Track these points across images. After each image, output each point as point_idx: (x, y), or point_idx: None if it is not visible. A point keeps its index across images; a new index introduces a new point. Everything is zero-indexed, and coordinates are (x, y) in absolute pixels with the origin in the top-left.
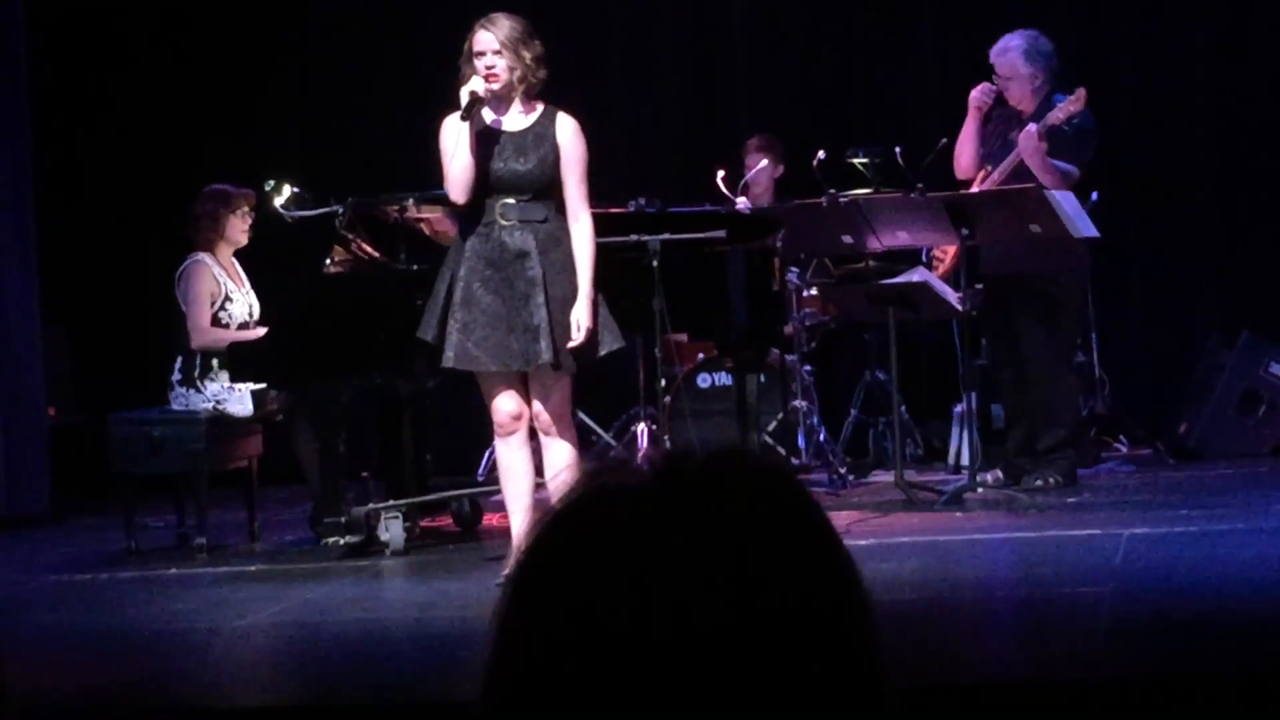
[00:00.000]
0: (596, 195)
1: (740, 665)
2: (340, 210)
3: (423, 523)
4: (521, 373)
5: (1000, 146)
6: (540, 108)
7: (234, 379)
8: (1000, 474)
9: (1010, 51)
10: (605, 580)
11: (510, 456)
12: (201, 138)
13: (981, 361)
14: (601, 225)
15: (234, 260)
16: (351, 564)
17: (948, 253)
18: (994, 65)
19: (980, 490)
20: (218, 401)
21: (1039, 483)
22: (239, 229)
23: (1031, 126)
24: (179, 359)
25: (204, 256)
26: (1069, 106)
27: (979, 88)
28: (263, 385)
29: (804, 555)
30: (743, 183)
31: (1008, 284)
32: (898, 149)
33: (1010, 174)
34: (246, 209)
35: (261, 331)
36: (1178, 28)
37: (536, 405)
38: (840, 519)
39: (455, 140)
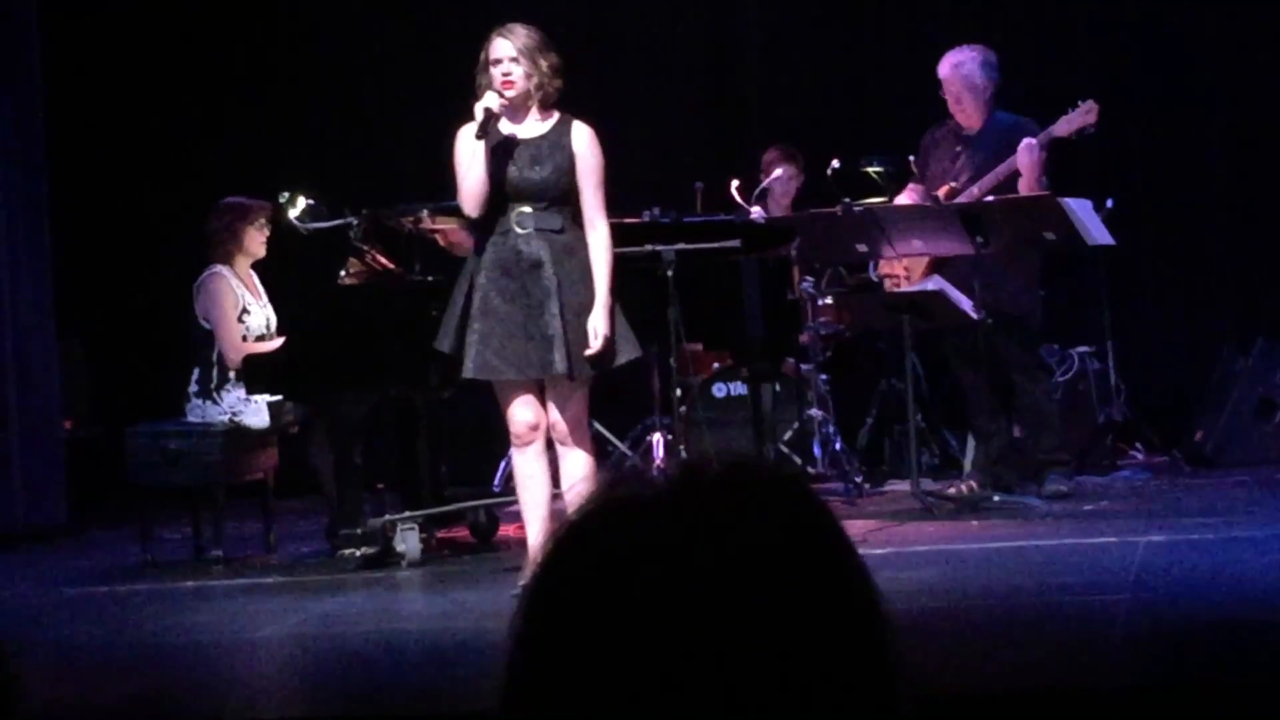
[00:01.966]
0: (612, 206)
1: (756, 676)
2: (355, 222)
3: (439, 534)
4: (539, 382)
5: (953, 162)
6: (556, 116)
7: (250, 391)
8: (975, 484)
9: (966, 64)
10: (621, 591)
11: (527, 467)
12: (216, 149)
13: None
14: (617, 235)
15: (251, 272)
16: (368, 576)
17: (911, 269)
18: (944, 82)
19: (998, 499)
20: (234, 413)
21: (1052, 489)
22: (257, 241)
23: (1030, 140)
24: (195, 371)
25: (221, 269)
26: (1080, 119)
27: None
28: (279, 397)
29: (819, 565)
30: (760, 189)
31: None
32: (911, 158)
33: (995, 185)
34: (263, 221)
35: (276, 341)
36: (1190, 33)
37: (553, 415)
38: (856, 528)
39: (469, 154)
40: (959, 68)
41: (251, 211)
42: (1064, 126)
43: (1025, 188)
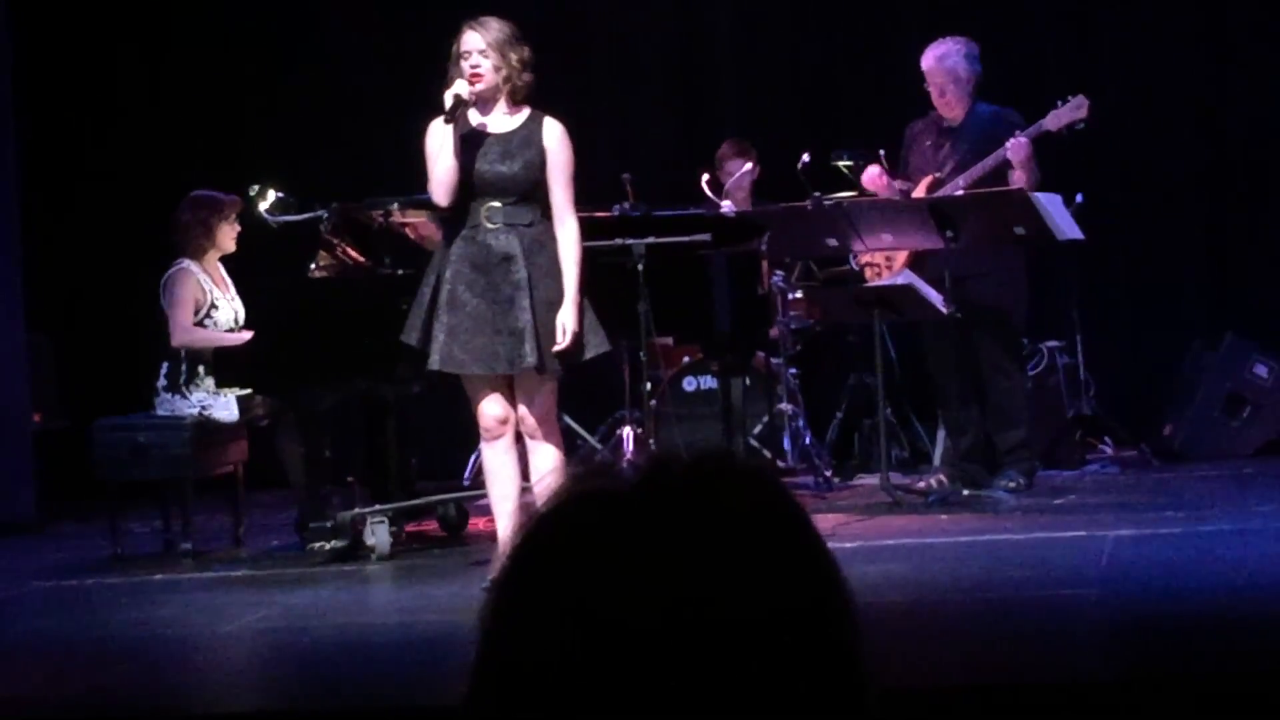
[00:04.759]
0: (582, 200)
1: (724, 670)
2: (325, 215)
3: (408, 527)
4: (507, 376)
5: (935, 153)
6: (527, 111)
7: (219, 384)
8: (944, 479)
9: (951, 57)
10: (590, 584)
11: (496, 460)
12: (186, 143)
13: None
14: (586, 229)
15: (219, 266)
16: (337, 569)
17: (893, 258)
18: (927, 74)
19: (966, 493)
20: (203, 407)
21: (1009, 484)
22: (228, 236)
23: (1022, 139)
24: (164, 365)
25: (189, 263)
26: (1070, 114)
27: (873, 181)
28: (248, 391)
29: (787, 559)
30: (728, 186)
31: (955, 289)
32: (881, 151)
33: (980, 178)
34: (235, 216)
35: (241, 335)
36: (1163, 28)
37: (522, 409)
38: (826, 522)
39: (439, 144)
40: (943, 60)
41: (224, 206)
42: (1053, 121)
43: (1024, 184)
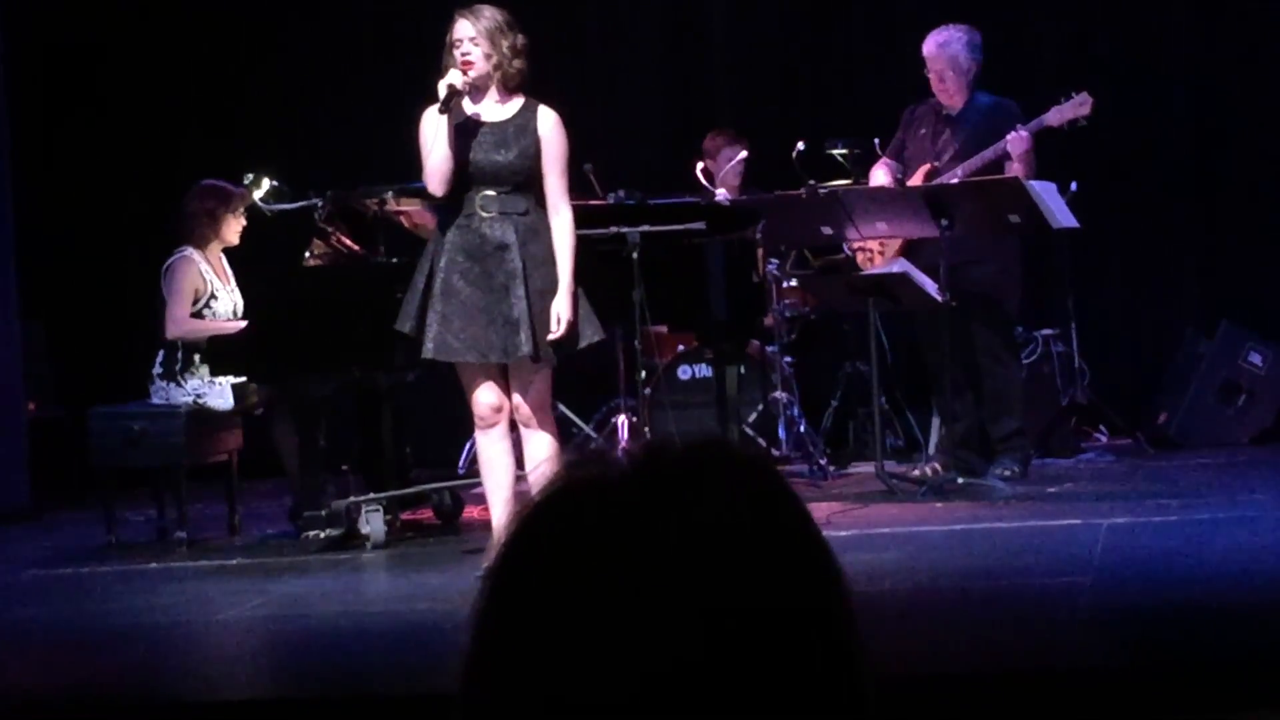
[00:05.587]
0: (576, 188)
1: (719, 656)
2: (319, 203)
3: (403, 516)
4: (502, 365)
5: (934, 141)
6: (521, 100)
7: (214, 373)
8: (939, 467)
9: (953, 44)
10: (584, 573)
11: (491, 449)
12: (181, 131)
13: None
14: (581, 217)
15: (221, 256)
16: (332, 557)
17: (885, 245)
18: (928, 60)
19: (961, 481)
20: (198, 395)
21: (1004, 473)
22: (234, 229)
23: (1022, 131)
24: (160, 353)
25: (192, 252)
26: (1073, 110)
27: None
28: (243, 379)
29: (783, 547)
30: (721, 175)
31: (949, 277)
32: (876, 140)
33: (981, 169)
34: (243, 209)
35: (234, 324)
36: (1155, 18)
37: (516, 397)
38: (821, 510)
39: (434, 132)
40: (945, 47)
41: (232, 198)
42: (1055, 116)
43: (1021, 176)
